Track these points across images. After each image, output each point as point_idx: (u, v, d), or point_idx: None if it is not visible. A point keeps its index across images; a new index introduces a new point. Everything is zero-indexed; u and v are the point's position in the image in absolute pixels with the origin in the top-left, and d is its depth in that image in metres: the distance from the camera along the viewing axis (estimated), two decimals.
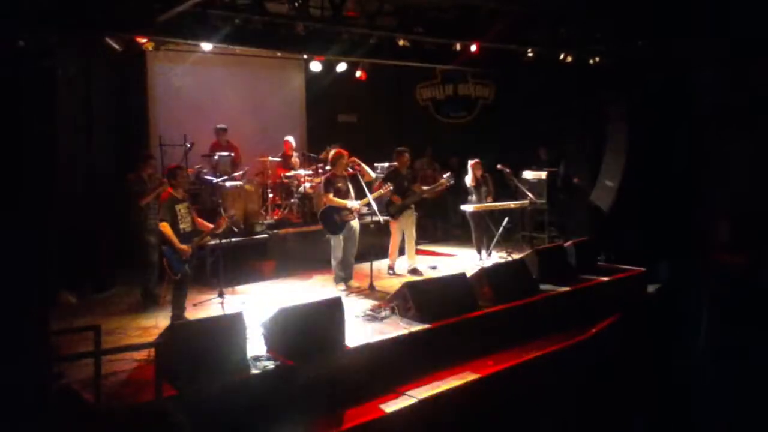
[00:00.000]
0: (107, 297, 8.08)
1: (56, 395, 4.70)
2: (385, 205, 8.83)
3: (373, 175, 8.65)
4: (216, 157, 9.93)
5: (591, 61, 11.10)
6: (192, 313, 6.86)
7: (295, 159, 10.84)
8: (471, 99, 14.02)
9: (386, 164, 10.78)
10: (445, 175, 9.35)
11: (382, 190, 8.36)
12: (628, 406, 6.47)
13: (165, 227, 6.57)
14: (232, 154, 10.18)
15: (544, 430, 5.87)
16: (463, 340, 6.68)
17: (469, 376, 6.05)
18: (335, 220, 8.10)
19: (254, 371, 5.31)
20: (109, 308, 7.53)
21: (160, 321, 6.81)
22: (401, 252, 9.16)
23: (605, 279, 8.71)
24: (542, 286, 8.12)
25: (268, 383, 5.28)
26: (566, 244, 9.14)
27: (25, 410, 4.13)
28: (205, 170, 9.74)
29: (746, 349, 6.74)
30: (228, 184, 9.43)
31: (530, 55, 10.78)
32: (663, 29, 9.86)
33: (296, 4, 8.28)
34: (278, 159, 10.58)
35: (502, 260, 9.43)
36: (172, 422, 3.99)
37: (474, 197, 9.80)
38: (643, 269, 9.16)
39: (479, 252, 9.90)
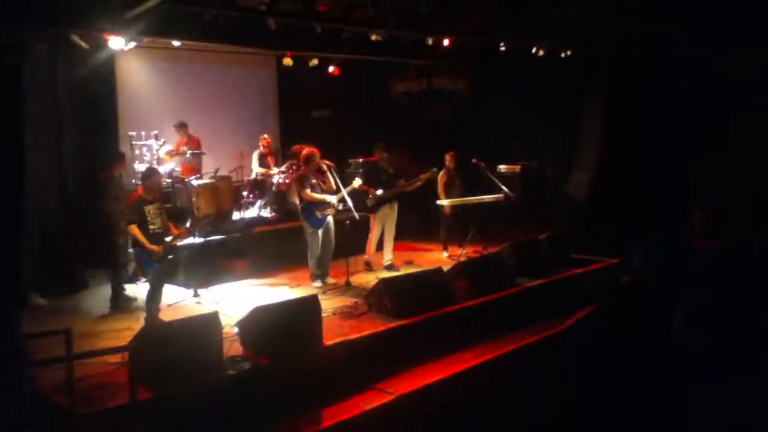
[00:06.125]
0: (78, 299, 7.90)
1: (28, 400, 4.60)
2: (362, 200, 8.74)
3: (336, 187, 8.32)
4: (188, 155, 9.78)
5: (562, 55, 11.17)
6: (167, 314, 6.75)
7: (270, 157, 10.81)
8: (446, 92, 13.95)
9: (360, 159, 10.79)
10: (433, 169, 9.23)
11: (354, 184, 8.30)
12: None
13: (133, 229, 6.55)
14: (196, 150, 9.94)
15: (524, 425, 5.88)
16: (440, 334, 6.69)
17: (447, 371, 6.04)
18: (316, 215, 8.06)
19: (230, 371, 5.27)
20: (80, 310, 7.36)
21: (132, 323, 6.69)
22: (378, 247, 9.10)
23: (580, 270, 8.77)
24: (518, 279, 8.16)
25: (245, 383, 5.25)
26: (541, 237, 9.18)
27: None
28: (177, 168, 9.59)
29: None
30: (198, 182, 9.31)
31: (502, 48, 10.81)
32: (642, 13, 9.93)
33: None
34: (256, 157, 10.58)
35: (477, 254, 9.41)
36: None
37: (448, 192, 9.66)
38: (617, 259, 9.24)
39: (445, 248, 9.74)
